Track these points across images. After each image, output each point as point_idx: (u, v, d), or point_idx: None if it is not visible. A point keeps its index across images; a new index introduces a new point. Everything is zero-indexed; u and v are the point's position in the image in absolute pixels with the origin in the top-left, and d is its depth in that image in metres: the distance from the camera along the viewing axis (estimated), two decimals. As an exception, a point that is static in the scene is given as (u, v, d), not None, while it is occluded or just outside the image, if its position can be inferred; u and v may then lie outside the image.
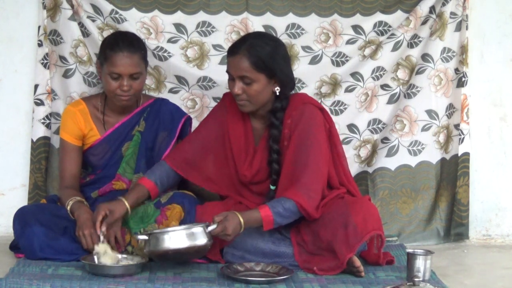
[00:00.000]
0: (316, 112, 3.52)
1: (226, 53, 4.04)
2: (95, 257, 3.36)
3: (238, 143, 3.59)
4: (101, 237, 3.37)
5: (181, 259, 3.34)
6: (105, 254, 3.35)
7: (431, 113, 4.16)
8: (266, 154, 3.55)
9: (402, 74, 4.16)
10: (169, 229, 3.28)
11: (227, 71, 3.50)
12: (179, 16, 4.09)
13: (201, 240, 3.25)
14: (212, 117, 3.69)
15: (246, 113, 3.58)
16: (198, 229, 3.25)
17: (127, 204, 3.46)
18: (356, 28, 4.13)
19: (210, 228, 3.27)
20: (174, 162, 3.60)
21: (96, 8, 4.03)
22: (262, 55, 3.42)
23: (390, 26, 4.13)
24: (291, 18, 4.10)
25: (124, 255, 3.40)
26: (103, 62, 3.63)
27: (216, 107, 3.72)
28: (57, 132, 4.02)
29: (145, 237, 3.25)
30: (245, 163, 3.58)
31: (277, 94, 3.48)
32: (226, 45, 4.08)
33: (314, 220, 3.42)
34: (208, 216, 3.43)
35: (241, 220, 3.30)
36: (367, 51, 4.13)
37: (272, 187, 3.55)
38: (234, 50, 3.46)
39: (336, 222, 3.36)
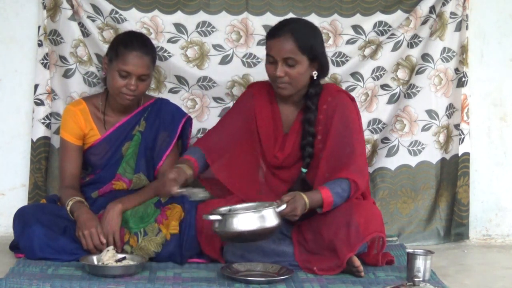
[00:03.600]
0: (350, 101, 3.60)
1: (226, 53, 4.07)
2: (95, 258, 3.36)
3: (267, 129, 3.61)
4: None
5: (251, 240, 3.31)
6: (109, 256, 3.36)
7: (431, 113, 4.16)
8: (298, 138, 3.57)
9: (402, 74, 4.16)
10: (240, 211, 3.27)
11: (267, 54, 3.51)
12: (179, 16, 4.08)
13: (272, 221, 3.22)
14: (238, 107, 3.70)
15: (274, 100, 3.62)
16: (268, 211, 3.23)
17: (189, 170, 3.44)
18: (356, 28, 4.13)
19: (280, 209, 3.25)
20: (205, 148, 3.59)
21: (96, 8, 4.03)
22: (306, 37, 3.47)
23: (390, 26, 4.13)
24: (291, 18, 4.11)
25: (124, 255, 3.40)
26: (113, 58, 3.63)
27: (242, 97, 3.73)
28: (57, 132, 4.02)
29: (218, 217, 3.22)
30: (275, 147, 3.60)
31: (314, 78, 3.53)
32: (226, 45, 4.08)
33: (316, 218, 3.42)
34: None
35: (306, 201, 3.31)
36: (367, 51, 4.13)
37: (304, 170, 3.56)
38: (278, 32, 3.49)
39: (338, 222, 3.37)
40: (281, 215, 3.26)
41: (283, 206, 3.25)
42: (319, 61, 3.52)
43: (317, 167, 3.52)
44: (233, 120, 3.66)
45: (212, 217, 3.22)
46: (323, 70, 3.56)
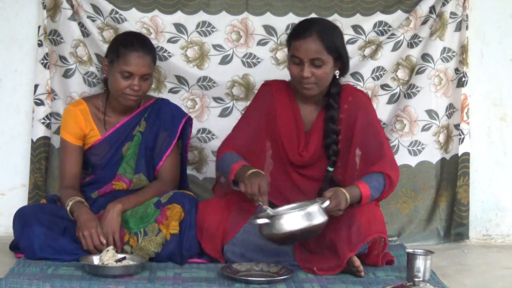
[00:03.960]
0: (368, 100, 3.67)
1: (226, 53, 4.07)
2: (95, 258, 3.36)
3: (289, 129, 3.61)
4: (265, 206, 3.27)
5: (301, 239, 3.32)
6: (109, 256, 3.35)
7: (431, 113, 4.16)
8: (321, 137, 3.58)
9: (402, 74, 4.16)
10: (285, 211, 3.25)
11: (292, 56, 3.48)
12: (179, 16, 4.09)
13: (319, 218, 3.22)
14: (256, 107, 3.66)
15: (293, 99, 3.61)
16: (314, 208, 3.22)
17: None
18: (356, 28, 4.13)
19: (324, 205, 3.25)
20: (235, 151, 3.56)
21: (96, 8, 4.03)
22: (331, 37, 3.48)
23: (390, 26, 4.13)
24: (291, 18, 4.10)
25: (124, 255, 3.40)
26: (114, 60, 3.63)
27: (260, 97, 3.68)
28: (57, 132, 4.02)
29: (266, 220, 3.20)
30: (299, 147, 3.60)
31: (337, 77, 3.55)
32: (226, 45, 4.08)
33: None
34: (210, 214, 3.45)
35: (347, 195, 3.31)
36: (367, 51, 4.13)
37: (330, 169, 3.57)
38: (304, 33, 3.48)
39: (340, 221, 3.36)
40: (326, 210, 3.26)
41: (327, 202, 3.26)
42: (342, 60, 3.53)
43: (344, 165, 3.54)
44: (252, 121, 3.62)
45: (260, 221, 3.21)
46: (345, 69, 3.58)
